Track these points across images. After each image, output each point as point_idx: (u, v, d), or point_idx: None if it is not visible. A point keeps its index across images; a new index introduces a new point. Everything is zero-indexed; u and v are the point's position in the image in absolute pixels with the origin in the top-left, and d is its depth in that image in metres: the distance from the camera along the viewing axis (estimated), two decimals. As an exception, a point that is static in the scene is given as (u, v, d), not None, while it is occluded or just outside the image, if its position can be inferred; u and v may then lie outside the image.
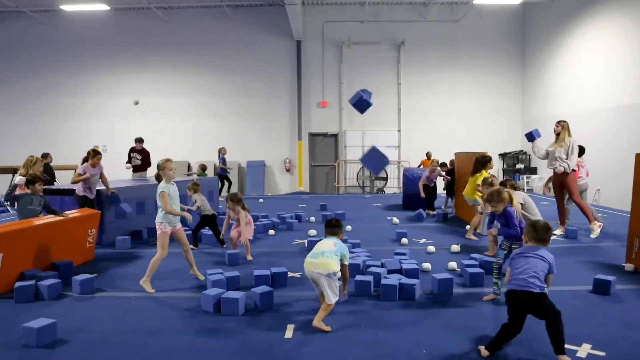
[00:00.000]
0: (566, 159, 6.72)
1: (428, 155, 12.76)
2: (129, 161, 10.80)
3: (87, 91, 15.43)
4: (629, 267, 5.01)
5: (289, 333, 3.39)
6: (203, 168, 11.67)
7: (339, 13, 15.08)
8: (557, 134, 6.86)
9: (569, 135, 6.81)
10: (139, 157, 10.78)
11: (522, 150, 15.03)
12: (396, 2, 14.83)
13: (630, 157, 5.78)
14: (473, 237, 6.85)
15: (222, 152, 13.25)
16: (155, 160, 11.25)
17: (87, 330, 3.47)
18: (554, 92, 13.39)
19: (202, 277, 4.79)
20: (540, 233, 3.08)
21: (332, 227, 3.97)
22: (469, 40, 15.09)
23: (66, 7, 13.73)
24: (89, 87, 15.43)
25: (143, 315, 3.80)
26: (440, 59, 15.18)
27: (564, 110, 12.74)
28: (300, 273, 5.05)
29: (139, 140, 10.91)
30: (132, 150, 10.90)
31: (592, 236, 6.81)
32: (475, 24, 14.98)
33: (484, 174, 6.94)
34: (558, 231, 7.06)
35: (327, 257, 3.55)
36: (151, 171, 11.04)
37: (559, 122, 6.92)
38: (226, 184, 13.31)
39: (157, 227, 4.54)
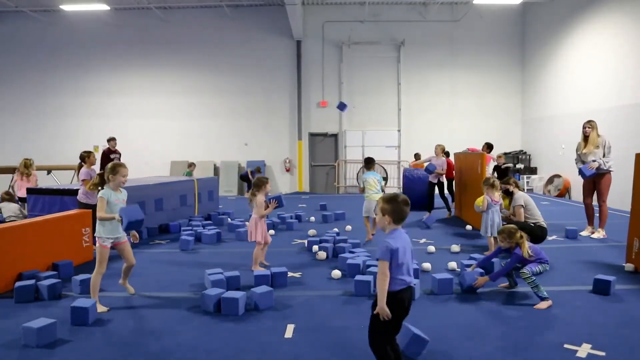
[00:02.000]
0: (602, 157, 6.53)
1: (417, 156, 12.36)
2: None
3: (87, 91, 15.42)
4: (629, 267, 5.01)
5: (289, 333, 3.39)
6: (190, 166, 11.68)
7: (339, 13, 15.07)
8: (587, 136, 6.66)
9: (598, 135, 6.62)
10: (118, 157, 10.59)
11: (522, 150, 15.03)
12: (396, 2, 14.82)
13: (630, 157, 5.78)
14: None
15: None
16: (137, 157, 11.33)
17: (87, 330, 3.47)
18: (554, 92, 13.39)
19: (132, 291, 4.34)
20: (404, 210, 2.54)
21: (372, 163, 6.91)
22: (469, 40, 15.09)
23: (66, 7, 13.73)
24: (88, 87, 15.42)
25: (143, 315, 3.81)
26: (440, 59, 15.17)
27: (564, 110, 12.74)
28: (300, 273, 5.05)
29: (113, 139, 10.68)
30: (110, 152, 10.49)
31: (593, 235, 6.79)
32: (475, 24, 14.97)
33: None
34: (585, 232, 6.98)
35: (379, 193, 6.51)
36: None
37: (589, 123, 6.69)
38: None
39: (96, 240, 3.97)
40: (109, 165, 4.07)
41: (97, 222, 3.95)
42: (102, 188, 4.05)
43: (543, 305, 3.89)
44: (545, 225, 5.62)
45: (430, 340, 3.22)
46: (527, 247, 4.12)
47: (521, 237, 4.16)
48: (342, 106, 7.06)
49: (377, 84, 15.24)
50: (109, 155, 10.50)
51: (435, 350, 3.08)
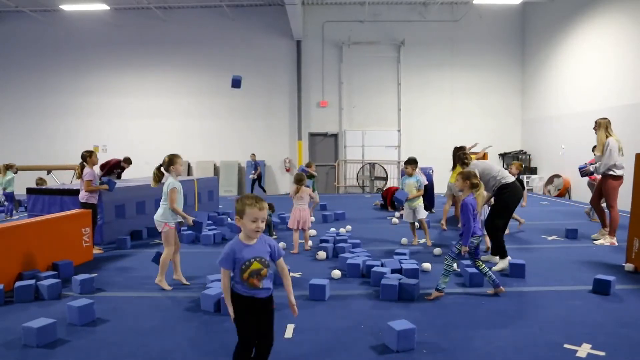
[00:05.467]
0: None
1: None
2: (109, 172, 10.62)
3: (87, 91, 15.43)
4: (629, 267, 5.00)
5: (289, 333, 3.39)
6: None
7: (339, 13, 15.07)
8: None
9: (607, 134, 6.20)
10: (119, 172, 10.85)
11: (522, 150, 15.03)
12: (396, 2, 14.83)
13: (630, 157, 5.78)
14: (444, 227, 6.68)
15: (252, 158, 14.03)
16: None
17: (87, 330, 3.47)
18: (554, 92, 13.39)
19: (186, 282, 4.63)
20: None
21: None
22: (469, 40, 15.09)
23: (66, 7, 13.73)
24: (88, 87, 15.43)
25: (143, 315, 3.80)
26: (440, 59, 15.18)
27: (564, 110, 12.75)
28: (300, 273, 5.05)
29: (128, 162, 10.78)
30: (118, 167, 10.78)
31: (596, 242, 6.47)
32: (475, 24, 14.98)
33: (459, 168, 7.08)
34: (598, 234, 6.73)
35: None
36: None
37: (595, 122, 6.33)
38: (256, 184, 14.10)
39: (161, 225, 4.45)
40: (166, 157, 4.53)
41: (166, 208, 4.42)
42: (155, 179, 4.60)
43: (434, 294, 4.10)
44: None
45: (430, 340, 3.23)
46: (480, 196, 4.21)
47: (477, 185, 4.17)
48: (236, 82, 7.02)
49: (377, 84, 15.24)
50: (113, 169, 10.73)
51: (435, 350, 3.08)
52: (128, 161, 10.83)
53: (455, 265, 4.12)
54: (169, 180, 4.49)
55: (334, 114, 15.35)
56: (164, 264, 4.44)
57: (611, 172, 6.23)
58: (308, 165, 9.56)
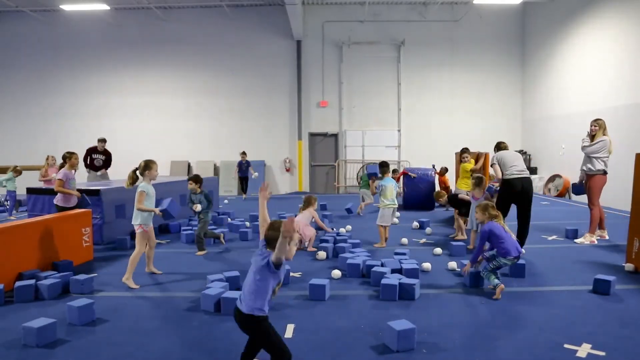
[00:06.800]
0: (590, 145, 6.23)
1: (442, 171, 11.02)
2: (91, 163, 10.37)
3: (87, 91, 15.42)
4: (629, 267, 5.00)
5: (289, 333, 3.39)
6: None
7: (339, 13, 15.07)
8: (593, 135, 6.36)
9: (604, 134, 6.31)
10: (102, 158, 10.51)
11: (522, 150, 15.02)
12: (396, 1, 14.82)
13: (630, 157, 5.78)
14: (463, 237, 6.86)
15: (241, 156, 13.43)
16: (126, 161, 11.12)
17: (87, 330, 3.47)
18: (554, 92, 13.39)
19: (159, 272, 5.03)
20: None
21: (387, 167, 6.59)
22: (469, 40, 15.08)
23: (66, 7, 13.72)
24: (88, 87, 15.42)
25: (143, 315, 3.80)
26: (440, 59, 15.17)
27: (564, 110, 12.75)
28: (300, 273, 5.05)
29: (102, 141, 10.53)
30: (94, 151, 10.41)
31: (576, 240, 6.53)
32: (475, 24, 14.97)
33: (467, 165, 7.81)
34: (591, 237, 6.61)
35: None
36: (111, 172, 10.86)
37: (596, 122, 6.37)
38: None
39: (137, 228, 4.67)
40: (142, 162, 4.67)
41: (138, 211, 4.60)
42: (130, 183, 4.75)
43: (497, 291, 4.12)
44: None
45: (430, 340, 3.23)
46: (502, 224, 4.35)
47: (496, 216, 4.34)
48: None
49: (377, 84, 15.24)
50: (91, 155, 10.41)
51: (435, 350, 3.08)
52: (102, 140, 10.46)
53: (493, 277, 4.23)
54: (141, 183, 4.67)
55: (334, 114, 15.35)
56: (132, 264, 4.60)
57: (592, 171, 6.31)
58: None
